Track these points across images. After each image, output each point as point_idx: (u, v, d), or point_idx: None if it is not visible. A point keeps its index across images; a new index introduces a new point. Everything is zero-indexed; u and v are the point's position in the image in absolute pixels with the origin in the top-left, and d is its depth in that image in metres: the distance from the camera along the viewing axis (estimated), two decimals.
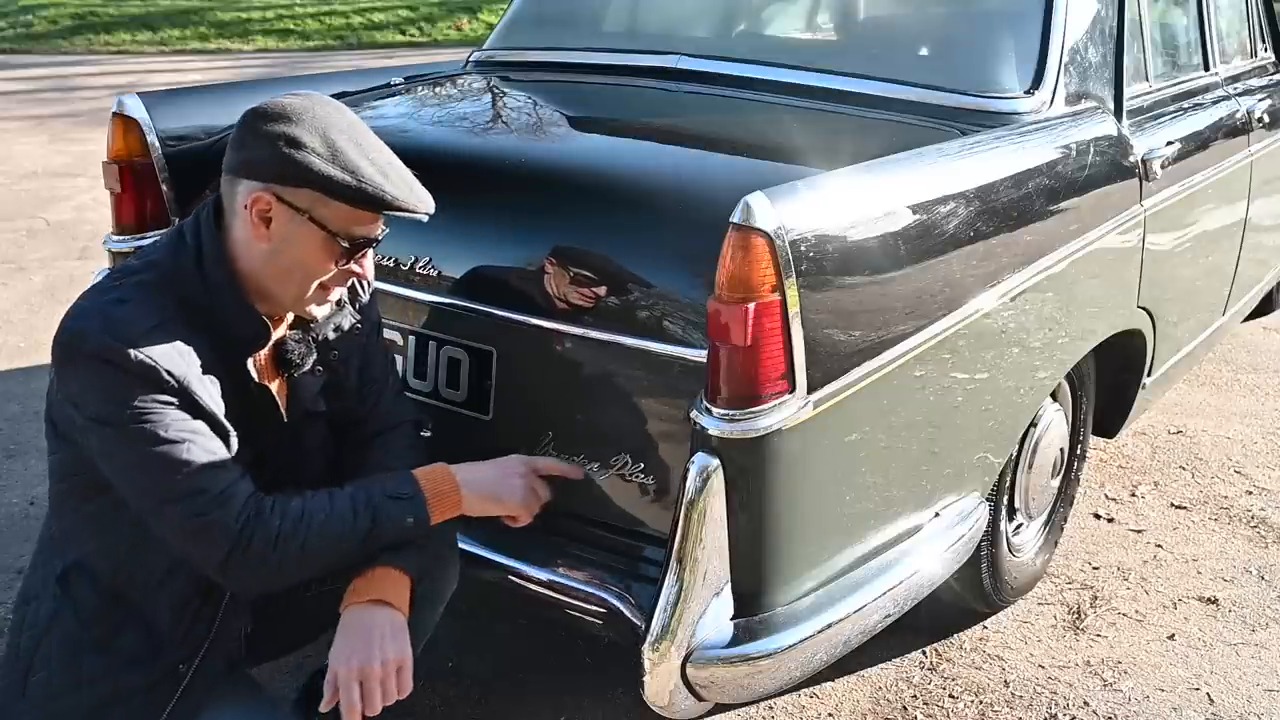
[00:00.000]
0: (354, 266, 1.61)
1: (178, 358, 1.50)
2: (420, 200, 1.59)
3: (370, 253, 1.64)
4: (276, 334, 1.67)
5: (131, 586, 1.61)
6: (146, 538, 1.59)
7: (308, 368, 1.69)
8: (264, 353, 1.65)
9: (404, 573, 1.65)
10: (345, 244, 1.56)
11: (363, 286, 1.81)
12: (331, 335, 1.73)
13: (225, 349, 1.58)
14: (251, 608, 1.76)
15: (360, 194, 1.52)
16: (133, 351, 1.46)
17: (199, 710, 1.63)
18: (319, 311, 1.64)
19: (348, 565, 1.63)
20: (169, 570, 1.61)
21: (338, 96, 2.62)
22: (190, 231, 1.60)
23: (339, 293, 1.66)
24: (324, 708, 1.58)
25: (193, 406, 1.51)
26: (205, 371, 1.54)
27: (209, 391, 1.54)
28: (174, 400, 1.49)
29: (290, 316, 1.69)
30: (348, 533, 1.58)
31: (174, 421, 1.49)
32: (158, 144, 2.35)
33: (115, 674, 1.59)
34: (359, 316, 1.79)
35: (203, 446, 1.51)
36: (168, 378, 1.47)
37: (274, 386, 1.69)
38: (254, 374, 1.61)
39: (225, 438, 1.56)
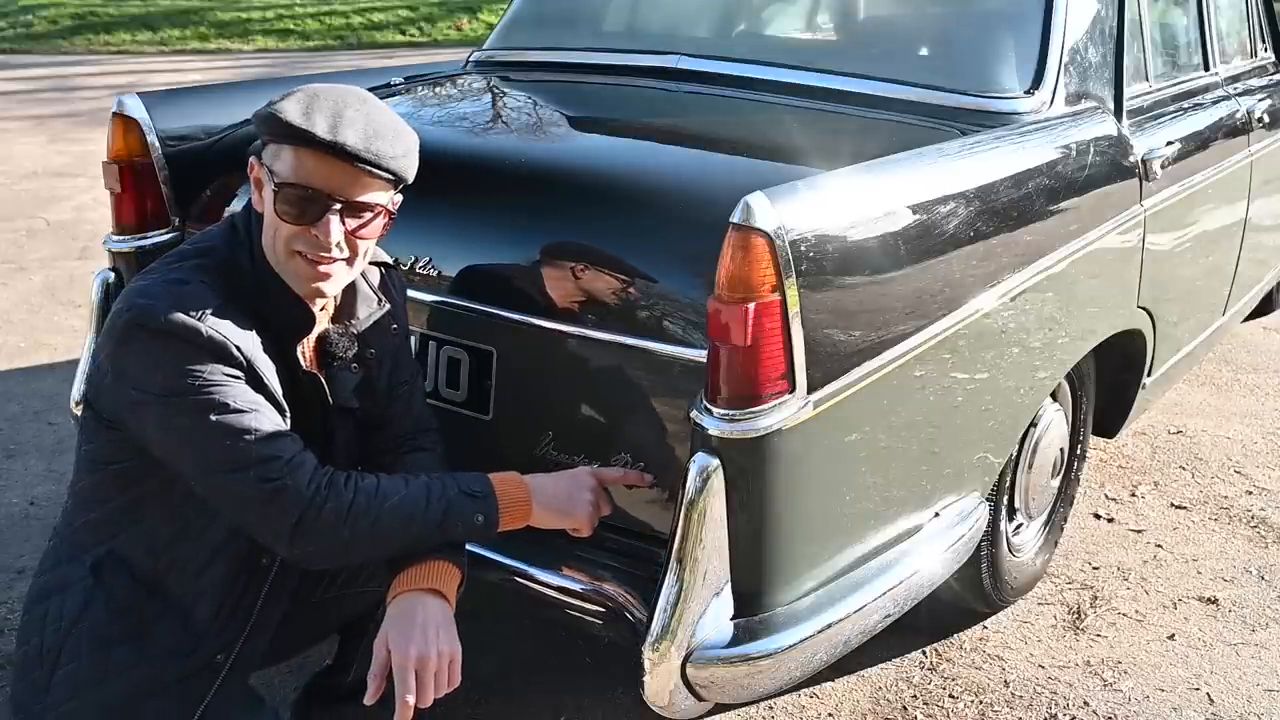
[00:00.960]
0: (316, 230, 1.54)
1: (243, 336, 1.52)
2: (338, 136, 1.50)
3: (334, 217, 1.54)
4: (320, 325, 1.67)
5: (170, 575, 1.61)
6: (189, 526, 1.59)
7: (348, 361, 1.70)
8: (310, 344, 1.65)
9: (456, 566, 1.66)
10: (275, 188, 1.52)
11: (393, 281, 1.82)
12: (368, 331, 1.74)
13: (275, 336, 1.59)
14: (292, 596, 1.76)
15: (267, 120, 1.52)
16: (203, 326, 1.48)
17: (235, 704, 1.63)
18: (320, 288, 1.60)
19: (409, 552, 1.63)
20: (210, 558, 1.61)
21: None
22: (241, 222, 1.63)
23: (333, 270, 1.58)
24: (369, 700, 1.55)
25: (257, 383, 1.53)
26: (263, 353, 1.56)
27: (269, 372, 1.56)
28: (241, 375, 1.51)
29: (330, 310, 1.70)
30: (418, 518, 1.58)
31: (242, 392, 1.50)
32: (158, 144, 2.36)
33: (149, 666, 1.58)
34: (392, 310, 1.79)
35: (269, 417, 1.52)
36: (236, 353, 1.50)
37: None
38: (302, 361, 1.62)
39: (283, 416, 1.57)
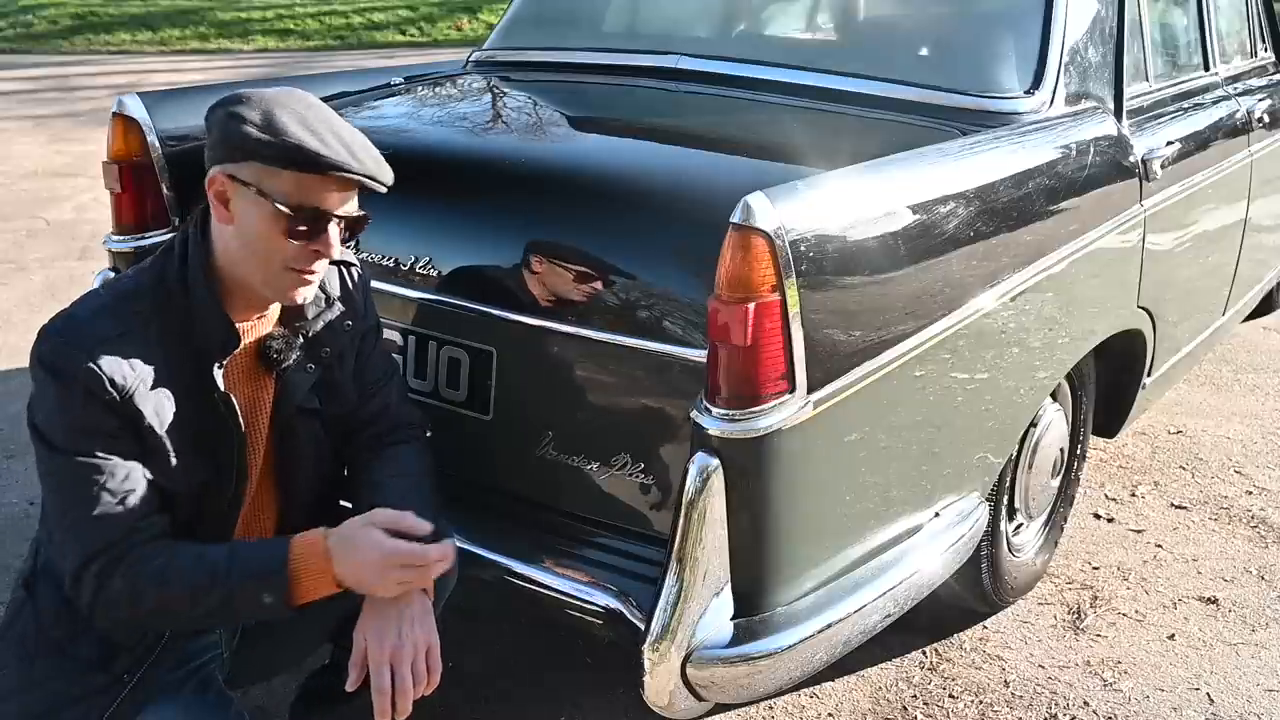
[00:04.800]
0: (317, 245, 1.55)
1: (128, 369, 1.50)
2: (361, 163, 1.52)
3: (334, 230, 1.56)
4: (257, 333, 1.66)
5: None
6: None
7: (291, 363, 1.69)
8: (245, 354, 1.64)
9: None
10: (289, 213, 1.52)
11: (353, 280, 1.80)
12: (321, 331, 1.73)
13: (196, 357, 1.58)
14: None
15: (286, 151, 1.50)
16: (83, 358, 1.48)
17: (146, 707, 1.63)
18: (303, 295, 1.60)
19: (217, 623, 1.62)
20: None
21: (337, 96, 2.65)
22: (179, 239, 1.61)
23: (317, 277, 1.60)
24: (350, 686, 1.57)
25: (132, 422, 1.51)
26: (166, 382, 1.54)
27: (157, 405, 1.53)
28: (111, 420, 1.50)
29: (274, 314, 1.68)
30: (201, 599, 1.53)
31: (94, 461, 1.50)
32: (158, 144, 2.35)
33: (68, 678, 1.59)
34: (347, 310, 1.77)
35: (113, 492, 1.50)
36: (110, 389, 1.48)
37: (260, 385, 1.69)
38: (219, 382, 1.59)
39: (164, 459, 1.55)
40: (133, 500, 1.52)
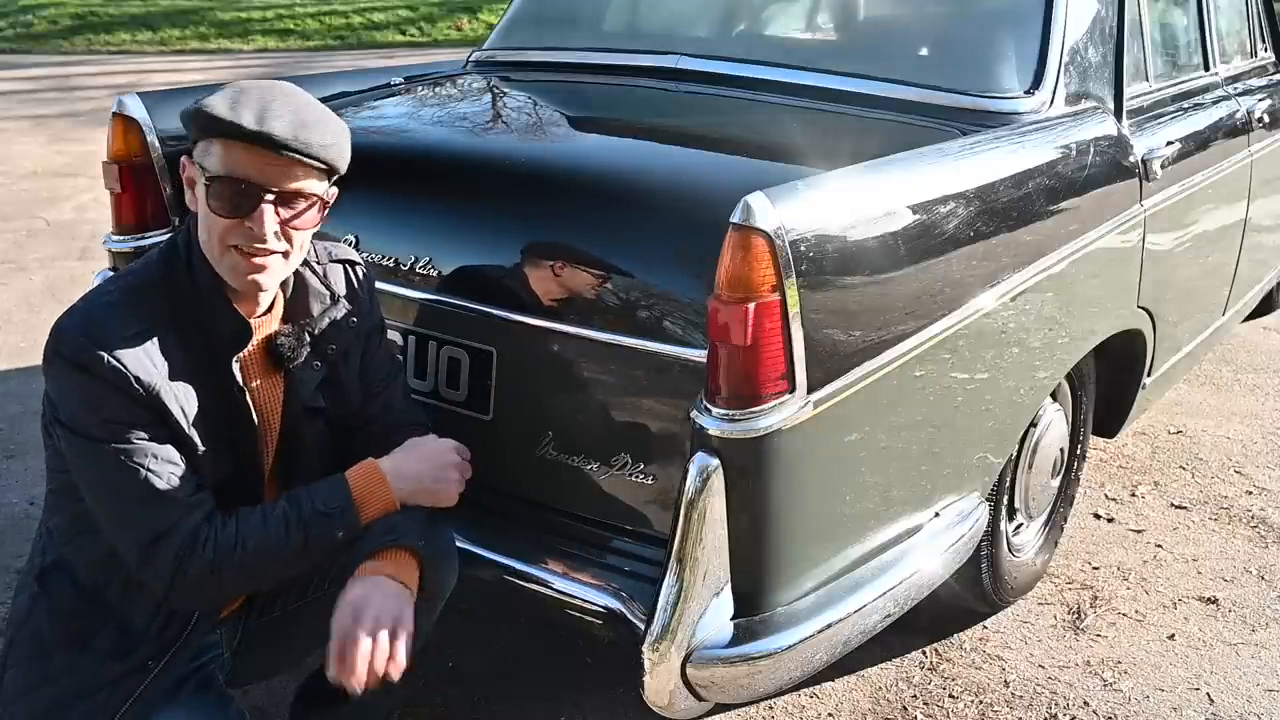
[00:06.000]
0: (250, 221, 1.53)
1: (151, 366, 1.51)
2: (264, 126, 1.49)
3: (268, 209, 1.53)
4: (265, 330, 1.66)
5: (110, 586, 1.62)
6: None
7: (302, 360, 1.69)
8: (255, 351, 1.65)
9: (411, 553, 1.66)
10: (207, 182, 1.52)
11: (358, 279, 1.81)
12: (326, 328, 1.73)
13: (212, 351, 1.59)
14: (249, 612, 1.77)
15: (195, 118, 1.52)
16: (106, 357, 1.48)
17: (156, 706, 1.63)
18: (263, 281, 1.58)
19: (295, 571, 1.66)
20: None
21: (337, 96, 2.65)
22: (182, 234, 1.62)
23: (269, 259, 1.57)
24: (330, 673, 1.57)
25: (160, 416, 1.52)
26: (186, 378, 1.55)
27: (182, 400, 1.54)
28: (142, 412, 1.51)
29: (279, 311, 1.69)
30: (282, 550, 1.59)
31: (134, 447, 1.51)
32: (158, 144, 2.35)
33: (86, 669, 1.60)
34: (353, 307, 1.77)
35: (158, 473, 1.52)
36: (136, 385, 1.49)
37: (272, 382, 1.69)
38: (238, 376, 1.61)
39: (192, 452, 1.56)
40: (183, 476, 1.54)
